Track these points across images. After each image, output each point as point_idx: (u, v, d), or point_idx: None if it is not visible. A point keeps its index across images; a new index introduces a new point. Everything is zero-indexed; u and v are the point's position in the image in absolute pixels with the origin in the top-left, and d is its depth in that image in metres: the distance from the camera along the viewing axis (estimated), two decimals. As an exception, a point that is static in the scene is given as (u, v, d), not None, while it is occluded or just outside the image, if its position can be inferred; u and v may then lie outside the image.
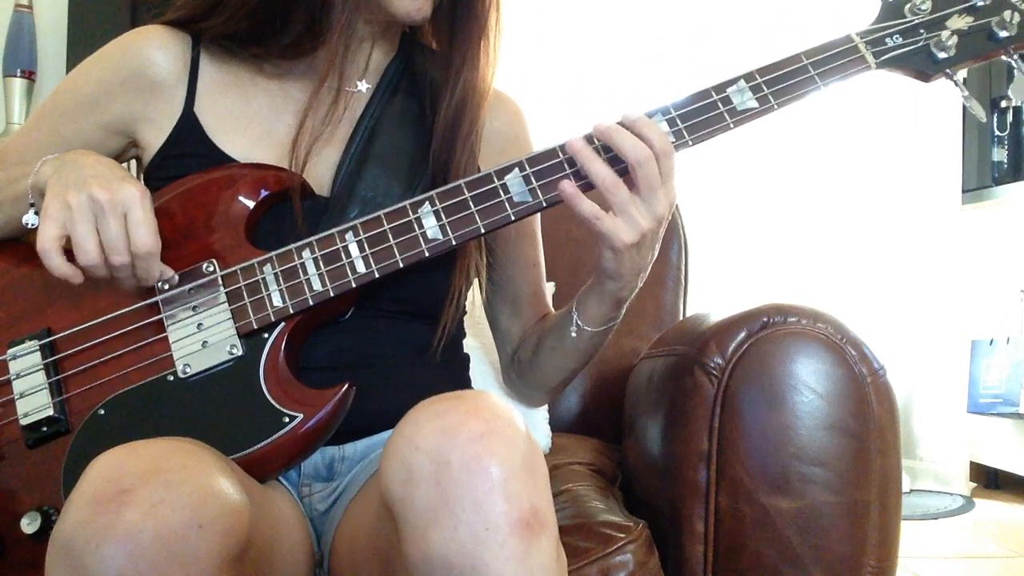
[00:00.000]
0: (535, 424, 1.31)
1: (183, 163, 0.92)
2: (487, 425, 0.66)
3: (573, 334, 0.97)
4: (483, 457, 0.64)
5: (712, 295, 2.26)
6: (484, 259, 1.04)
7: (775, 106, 0.87)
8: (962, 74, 0.92)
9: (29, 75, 2.19)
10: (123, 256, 0.79)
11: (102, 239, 0.78)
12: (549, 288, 1.41)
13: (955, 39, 0.89)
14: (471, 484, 0.64)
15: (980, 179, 3.05)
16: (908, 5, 0.91)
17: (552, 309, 1.11)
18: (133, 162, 1.01)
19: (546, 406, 1.31)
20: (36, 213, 0.84)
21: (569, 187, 0.84)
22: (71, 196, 0.79)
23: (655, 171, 0.83)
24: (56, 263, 0.79)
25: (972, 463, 2.87)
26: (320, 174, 0.93)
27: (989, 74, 2.91)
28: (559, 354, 1.02)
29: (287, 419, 0.81)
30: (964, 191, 2.91)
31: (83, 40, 2.15)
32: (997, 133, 3.00)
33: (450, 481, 0.64)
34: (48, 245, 0.78)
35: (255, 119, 0.95)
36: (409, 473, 0.65)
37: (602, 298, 0.94)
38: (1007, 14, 0.89)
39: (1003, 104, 3.00)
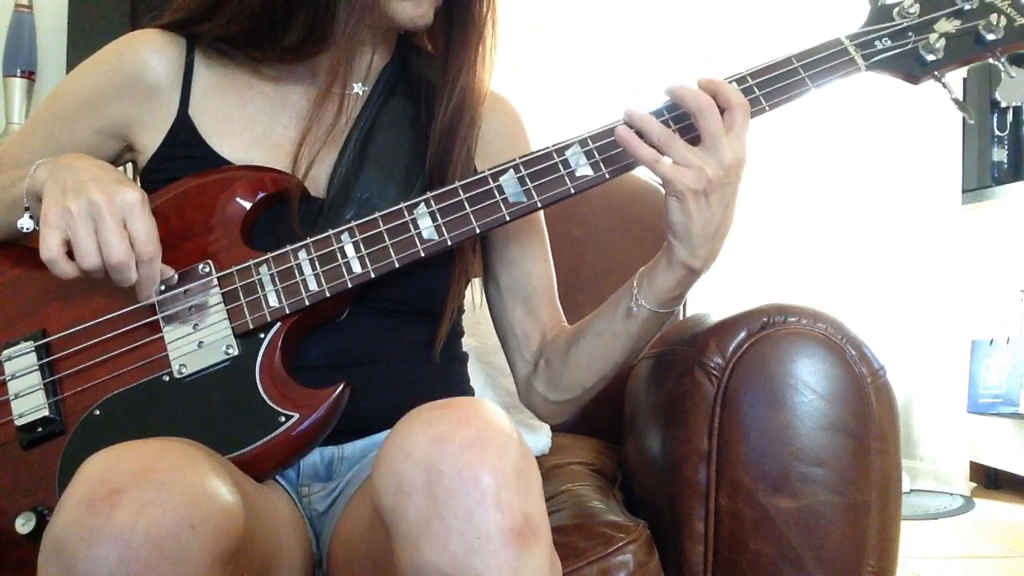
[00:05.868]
0: (535, 424, 1.31)
1: (178, 166, 0.92)
2: (478, 433, 0.65)
3: (632, 310, 0.90)
4: (474, 466, 0.64)
5: (712, 295, 2.26)
6: (479, 259, 1.03)
7: (767, 108, 0.88)
8: (960, 74, 0.92)
9: (29, 75, 2.19)
10: (124, 261, 0.78)
11: (101, 243, 0.78)
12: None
13: (943, 42, 0.90)
14: (462, 493, 0.63)
15: (980, 179, 3.05)
16: (897, 8, 0.92)
17: (565, 320, 1.05)
18: (129, 165, 1.01)
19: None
20: (31, 217, 0.83)
21: (624, 131, 0.84)
22: (70, 201, 0.78)
23: (716, 120, 0.83)
24: (64, 269, 0.78)
25: (972, 463, 2.87)
26: (316, 176, 0.93)
27: (988, 76, 2.91)
28: (605, 340, 0.94)
29: (283, 418, 0.81)
30: (964, 191, 2.91)
31: (83, 40, 2.14)
32: (997, 133, 3.00)
33: (441, 490, 0.63)
34: (53, 254, 0.78)
35: (252, 122, 0.95)
36: (400, 482, 0.65)
37: (670, 265, 0.88)
38: (994, 17, 0.90)
39: (1003, 105, 3.00)
